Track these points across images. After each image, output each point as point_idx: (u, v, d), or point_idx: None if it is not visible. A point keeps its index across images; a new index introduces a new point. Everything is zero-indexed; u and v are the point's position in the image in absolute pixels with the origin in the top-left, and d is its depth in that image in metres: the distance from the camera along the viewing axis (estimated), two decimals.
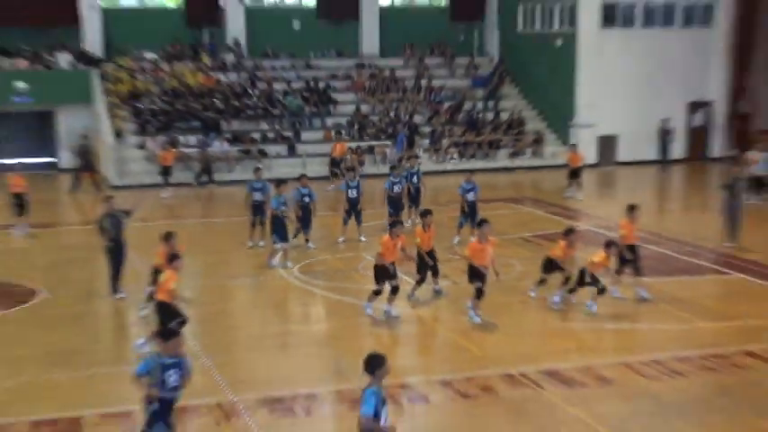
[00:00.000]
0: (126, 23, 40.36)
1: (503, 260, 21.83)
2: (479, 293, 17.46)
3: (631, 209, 19.38)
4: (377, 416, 9.82)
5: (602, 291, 18.14)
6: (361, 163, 34.61)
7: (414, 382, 14.58)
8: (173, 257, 15.23)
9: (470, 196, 24.36)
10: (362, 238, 24.41)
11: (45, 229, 26.37)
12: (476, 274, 17.42)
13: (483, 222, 17.94)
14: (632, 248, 19.12)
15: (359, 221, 24.63)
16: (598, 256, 18.15)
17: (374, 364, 9.94)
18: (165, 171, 33.08)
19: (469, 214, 24.16)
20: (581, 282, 18.19)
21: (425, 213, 19.40)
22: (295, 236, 23.54)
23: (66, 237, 26.05)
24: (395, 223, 18.86)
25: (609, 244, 18.47)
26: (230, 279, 21.50)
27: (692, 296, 19.28)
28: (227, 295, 20.42)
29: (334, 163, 33.86)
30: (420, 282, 19.09)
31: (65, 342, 16.59)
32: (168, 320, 14.95)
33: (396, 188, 25.26)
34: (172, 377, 10.71)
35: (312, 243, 23.89)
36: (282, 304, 19.75)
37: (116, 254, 19.36)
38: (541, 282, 19.06)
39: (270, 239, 22.68)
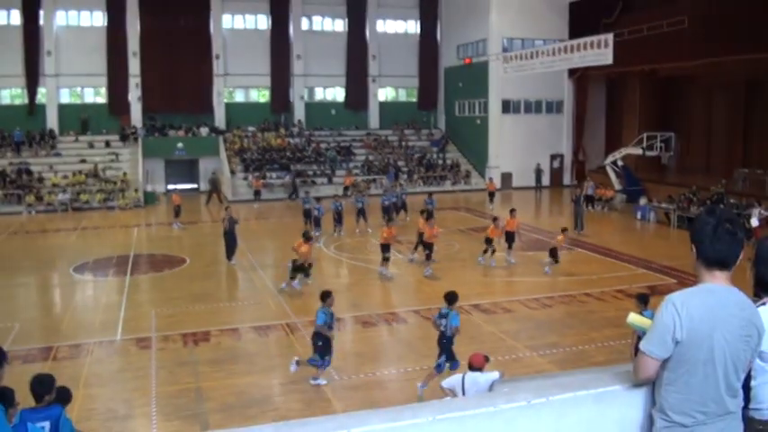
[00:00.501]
0: (238, 110, 39.99)
1: (448, 242, 21.75)
2: (428, 257, 17.45)
3: (512, 211, 19.40)
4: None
5: (557, 261, 17.71)
6: (368, 188, 34.57)
7: (398, 311, 14.44)
8: (308, 238, 16.28)
9: (429, 207, 24.05)
10: (369, 230, 24.11)
11: (190, 225, 26.17)
12: (427, 246, 17.38)
13: (430, 217, 18.30)
14: (512, 234, 18.94)
15: (366, 220, 24.32)
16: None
17: (452, 298, 9.88)
18: (257, 193, 32.70)
19: (428, 215, 23.88)
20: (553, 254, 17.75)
21: (422, 212, 19.69)
22: (336, 231, 23.31)
23: (202, 229, 25.85)
24: (389, 220, 19.06)
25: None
26: (293, 253, 21.22)
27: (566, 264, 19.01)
28: None
29: (346, 188, 33.45)
30: (416, 248, 18.89)
31: (201, 288, 16.39)
32: (299, 271, 15.78)
33: (386, 202, 25.07)
34: (333, 321, 10.41)
35: (343, 233, 23.60)
36: (323, 266, 19.49)
37: (230, 239, 19.18)
38: (485, 252, 18.44)
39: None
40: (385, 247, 17.36)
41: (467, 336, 12.69)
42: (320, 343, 10.29)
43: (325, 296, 10.43)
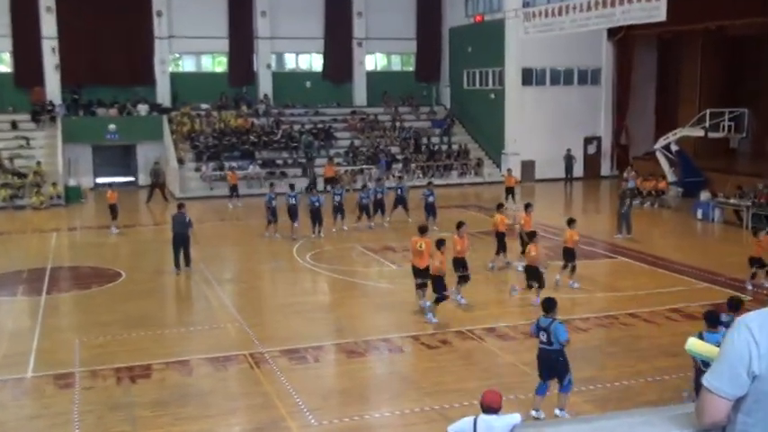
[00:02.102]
0: (187, 83, 39.95)
1: None
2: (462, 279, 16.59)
3: (527, 206, 19.48)
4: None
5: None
6: (354, 180, 34.67)
7: (392, 337, 14.43)
8: (458, 233, 16.54)
9: (430, 199, 24.72)
10: (345, 228, 24.61)
11: (127, 229, 26.12)
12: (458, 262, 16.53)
13: (461, 224, 16.80)
14: (532, 234, 18.93)
15: (343, 218, 24.73)
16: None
17: (734, 305, 10.33)
18: (234, 188, 31.90)
19: (429, 211, 24.63)
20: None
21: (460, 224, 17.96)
22: (314, 232, 23.72)
23: (142, 234, 25.83)
24: (461, 224, 17.01)
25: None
26: (260, 263, 21.25)
27: (590, 274, 19.05)
28: (258, 275, 20.17)
29: (328, 180, 33.02)
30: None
31: (140, 309, 16.33)
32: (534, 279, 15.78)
33: (365, 200, 25.20)
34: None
35: (322, 234, 23.79)
36: (297, 281, 19.44)
37: (182, 242, 19.43)
38: (564, 267, 18.04)
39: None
40: (458, 263, 16.39)
41: (479, 368, 12.72)
42: None
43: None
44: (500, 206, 20.28)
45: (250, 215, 28.71)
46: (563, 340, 10.26)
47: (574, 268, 17.76)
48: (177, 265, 19.38)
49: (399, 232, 24.58)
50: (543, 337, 10.36)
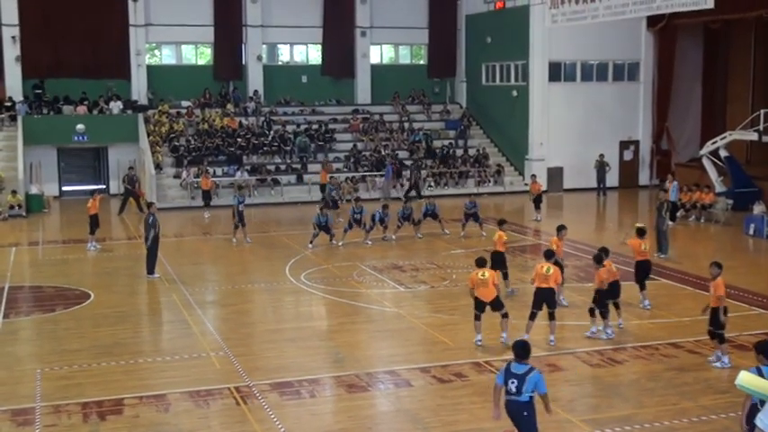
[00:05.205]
0: (166, 77, 40.19)
1: (471, 269, 21.58)
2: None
3: (560, 229, 19.05)
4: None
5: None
6: (356, 188, 34.73)
7: (399, 369, 14.40)
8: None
9: (473, 211, 26.29)
10: (368, 242, 25.38)
11: (97, 243, 26.02)
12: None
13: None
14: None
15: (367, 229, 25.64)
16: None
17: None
18: (206, 195, 32.50)
19: (474, 220, 26.41)
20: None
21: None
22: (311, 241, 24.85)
23: (115, 249, 25.81)
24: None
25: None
26: (247, 284, 21.24)
27: (626, 298, 18.89)
28: (246, 297, 20.14)
29: (324, 187, 33.32)
30: None
31: (111, 336, 16.33)
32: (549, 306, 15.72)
33: (356, 216, 25.62)
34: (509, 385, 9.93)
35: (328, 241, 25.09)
36: (290, 304, 19.42)
37: (154, 247, 20.66)
38: None
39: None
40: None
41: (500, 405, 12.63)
42: None
43: None
44: (502, 222, 19.93)
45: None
46: (543, 392, 9.93)
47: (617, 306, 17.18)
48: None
49: (406, 249, 24.58)
50: (512, 386, 9.89)
